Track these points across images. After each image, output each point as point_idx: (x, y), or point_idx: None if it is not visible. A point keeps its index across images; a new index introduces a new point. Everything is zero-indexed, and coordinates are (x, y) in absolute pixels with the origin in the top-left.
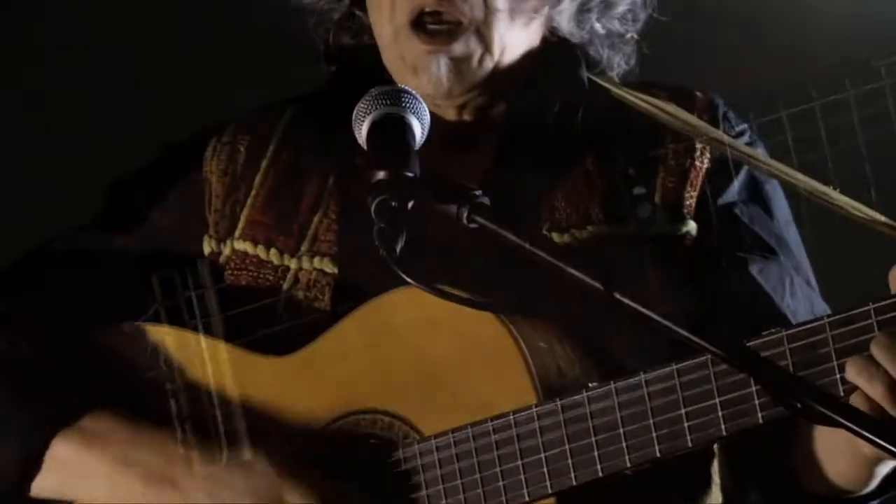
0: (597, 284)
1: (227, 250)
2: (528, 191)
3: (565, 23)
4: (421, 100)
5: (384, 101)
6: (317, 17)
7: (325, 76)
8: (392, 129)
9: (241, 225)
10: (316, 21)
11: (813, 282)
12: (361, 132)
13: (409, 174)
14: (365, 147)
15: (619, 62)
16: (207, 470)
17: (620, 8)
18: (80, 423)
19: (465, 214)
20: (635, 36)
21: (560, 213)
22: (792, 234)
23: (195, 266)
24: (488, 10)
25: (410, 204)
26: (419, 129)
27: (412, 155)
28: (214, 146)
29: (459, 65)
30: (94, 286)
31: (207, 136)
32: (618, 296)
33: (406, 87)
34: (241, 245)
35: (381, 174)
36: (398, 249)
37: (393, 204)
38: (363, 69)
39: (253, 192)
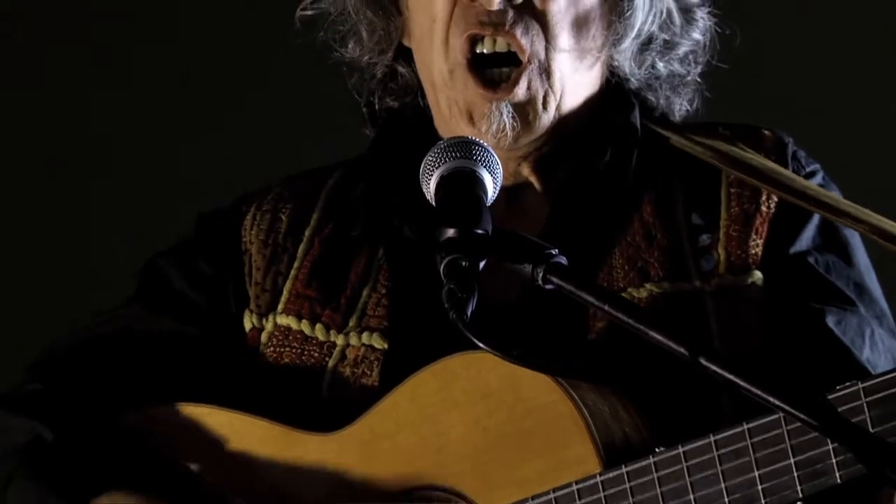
0: (681, 349)
1: (269, 326)
2: (584, 249)
3: (626, 63)
4: (492, 152)
5: (454, 154)
6: (359, 74)
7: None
8: (462, 183)
9: (283, 299)
10: (358, 80)
11: None
12: (429, 187)
13: (481, 231)
14: (433, 202)
15: (680, 105)
16: None
17: (682, 49)
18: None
19: (541, 275)
20: (697, 78)
21: (617, 271)
22: (872, 282)
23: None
24: (550, 47)
25: (482, 264)
26: (491, 183)
27: (484, 211)
28: (254, 215)
29: (524, 110)
30: (129, 367)
31: (246, 205)
32: (703, 361)
33: (477, 139)
34: (284, 320)
35: (450, 232)
36: (469, 312)
37: (464, 264)
38: (409, 131)
39: (296, 264)
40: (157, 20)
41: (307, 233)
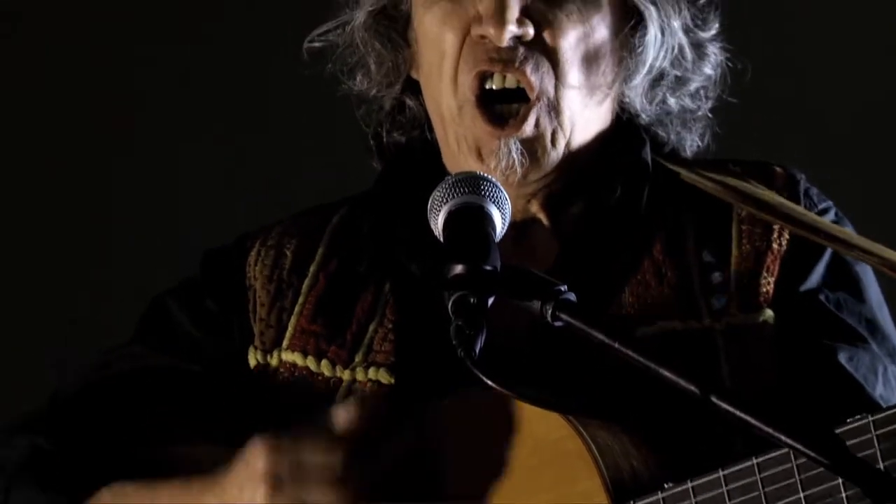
0: (692, 387)
1: (274, 362)
2: (594, 286)
3: (637, 99)
4: (501, 187)
5: (462, 189)
6: (367, 106)
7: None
8: (470, 219)
9: (288, 335)
10: (366, 112)
11: None
12: (437, 223)
13: (489, 268)
14: (441, 238)
15: (691, 140)
16: None
17: (694, 84)
18: (97, 496)
19: (550, 312)
20: (708, 113)
21: (626, 309)
22: (885, 318)
23: (240, 380)
24: (560, 84)
25: (490, 300)
26: (499, 218)
27: (492, 247)
28: (258, 251)
29: (532, 146)
30: (135, 410)
31: (251, 241)
32: (714, 399)
33: (485, 174)
34: (289, 356)
35: (458, 268)
36: (477, 349)
37: (472, 300)
38: (416, 165)
39: (300, 300)
40: (159, 22)
41: (312, 268)
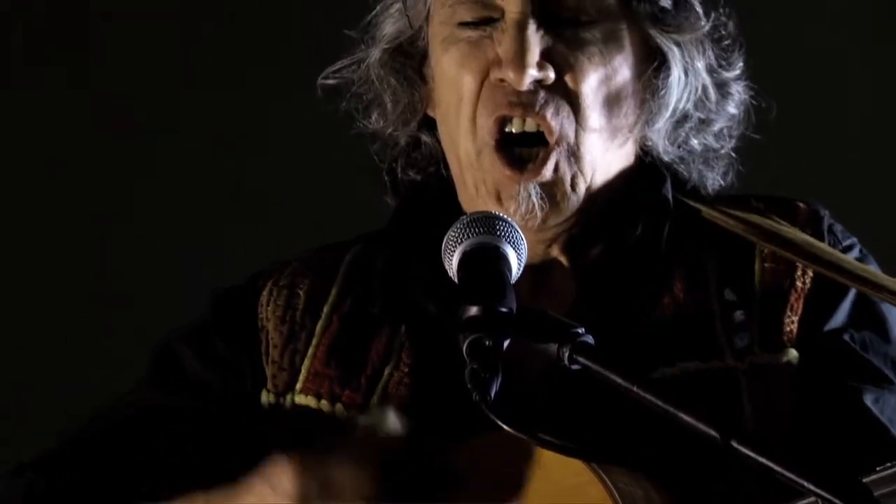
0: (712, 432)
1: (287, 405)
2: (613, 326)
3: (660, 141)
4: (517, 227)
5: (477, 230)
6: (381, 143)
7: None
8: (486, 259)
9: (301, 378)
10: (380, 148)
11: None
12: (452, 263)
13: (505, 310)
14: (455, 280)
15: (713, 178)
16: None
17: (718, 124)
18: None
19: (567, 354)
20: (731, 152)
21: (647, 349)
22: None
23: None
24: (580, 128)
25: (506, 343)
26: (515, 259)
27: (508, 288)
28: (270, 290)
29: (552, 190)
30: (136, 449)
31: (262, 281)
32: (735, 444)
33: (500, 214)
34: (302, 400)
35: (473, 310)
36: (492, 393)
37: (487, 343)
38: (431, 203)
39: (314, 342)
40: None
41: (325, 309)
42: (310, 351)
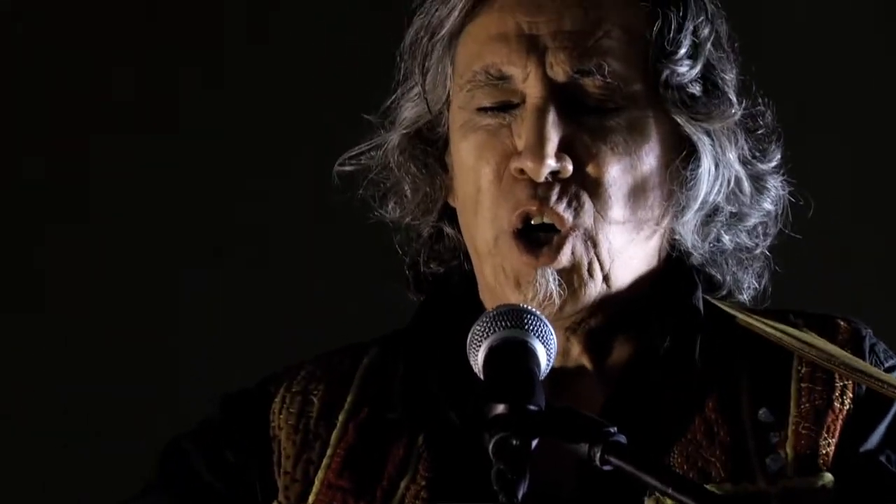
0: None
1: None
2: (639, 444)
3: (689, 235)
4: (546, 322)
5: (504, 324)
6: (402, 234)
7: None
8: (513, 355)
9: (315, 490)
10: (402, 239)
11: None
12: (477, 359)
13: (533, 408)
14: (481, 376)
15: (748, 282)
16: None
17: (751, 220)
18: None
19: (599, 454)
20: (766, 251)
21: (676, 470)
22: None
23: None
24: (599, 217)
25: (534, 442)
26: (544, 355)
27: (537, 385)
28: (283, 397)
29: (569, 277)
30: None
31: (274, 386)
32: None
33: (529, 308)
34: None
35: (500, 408)
36: (519, 496)
37: (514, 442)
38: (453, 301)
39: (329, 452)
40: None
41: (341, 417)
42: (324, 462)
